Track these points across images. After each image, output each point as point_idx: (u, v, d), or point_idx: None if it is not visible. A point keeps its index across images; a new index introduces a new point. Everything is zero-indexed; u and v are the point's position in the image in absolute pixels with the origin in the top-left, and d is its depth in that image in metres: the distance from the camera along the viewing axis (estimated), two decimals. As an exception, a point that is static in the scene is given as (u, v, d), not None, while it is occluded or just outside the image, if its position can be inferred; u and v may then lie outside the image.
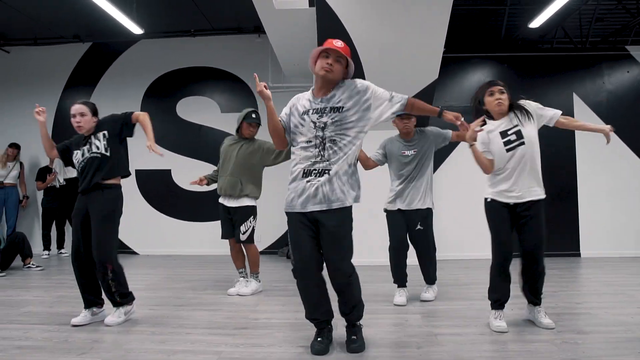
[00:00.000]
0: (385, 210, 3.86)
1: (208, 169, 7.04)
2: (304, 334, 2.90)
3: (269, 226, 6.58)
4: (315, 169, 2.51)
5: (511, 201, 2.96)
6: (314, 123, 2.53)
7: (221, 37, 7.31)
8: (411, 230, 3.76)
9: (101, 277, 3.11)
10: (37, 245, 6.89)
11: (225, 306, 3.72)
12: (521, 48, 7.14)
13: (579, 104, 6.57)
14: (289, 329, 3.03)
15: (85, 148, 3.24)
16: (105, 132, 3.24)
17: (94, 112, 3.32)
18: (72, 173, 7.03)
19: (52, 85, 7.52)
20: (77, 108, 3.26)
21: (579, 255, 6.45)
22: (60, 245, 7.07)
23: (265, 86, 2.59)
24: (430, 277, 3.88)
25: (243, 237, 4.12)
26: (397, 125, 3.80)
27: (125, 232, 7.16)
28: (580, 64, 6.67)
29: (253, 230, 4.18)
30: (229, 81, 7.30)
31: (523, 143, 2.90)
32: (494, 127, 3.01)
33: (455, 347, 2.66)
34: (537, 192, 2.96)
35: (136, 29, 6.15)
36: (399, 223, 3.77)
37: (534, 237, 2.93)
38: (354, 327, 2.66)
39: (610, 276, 4.98)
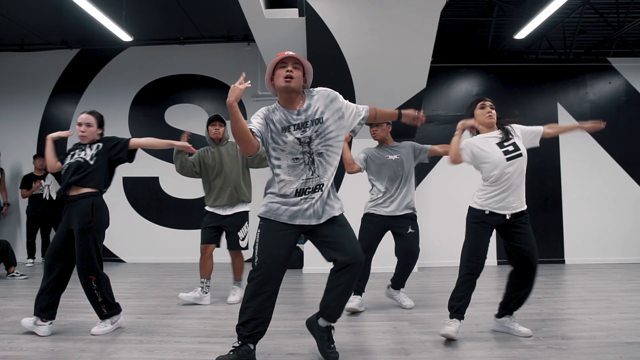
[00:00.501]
0: (369, 215, 3.83)
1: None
2: (293, 342, 2.91)
3: (252, 233, 6.55)
4: (308, 187, 2.45)
5: (509, 212, 2.97)
6: (299, 139, 2.42)
7: (210, 45, 7.33)
8: (401, 234, 3.77)
9: (86, 288, 3.06)
10: (20, 253, 6.79)
11: (214, 314, 3.71)
12: (507, 58, 7.28)
13: (562, 114, 6.69)
14: (278, 337, 3.03)
15: (75, 154, 3.23)
16: (100, 144, 3.24)
17: (100, 124, 3.31)
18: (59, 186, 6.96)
19: (39, 92, 7.45)
20: (84, 117, 3.24)
21: (563, 262, 6.55)
22: (45, 254, 6.97)
23: (242, 84, 2.34)
24: (404, 282, 3.91)
25: (243, 244, 4.12)
26: (376, 134, 3.84)
27: (112, 240, 7.15)
28: (564, 75, 6.81)
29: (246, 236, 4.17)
30: (218, 89, 7.31)
31: (521, 155, 2.96)
32: (487, 138, 3.05)
33: (443, 354, 2.69)
34: (524, 202, 3.04)
35: (125, 36, 6.14)
36: (377, 229, 3.78)
37: (530, 242, 2.98)
38: (331, 332, 2.60)
39: (594, 282, 5.06)
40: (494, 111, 3.08)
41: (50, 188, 6.88)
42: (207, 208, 4.19)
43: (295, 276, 5.64)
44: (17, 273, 5.54)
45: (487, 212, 2.99)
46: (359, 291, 3.75)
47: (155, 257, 7.05)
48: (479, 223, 3.01)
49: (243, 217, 4.15)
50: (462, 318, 2.96)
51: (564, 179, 6.69)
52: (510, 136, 3.03)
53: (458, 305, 2.96)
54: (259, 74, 7.01)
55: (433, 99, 6.69)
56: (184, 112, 7.32)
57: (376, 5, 4.49)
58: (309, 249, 5.89)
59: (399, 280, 3.88)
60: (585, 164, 6.58)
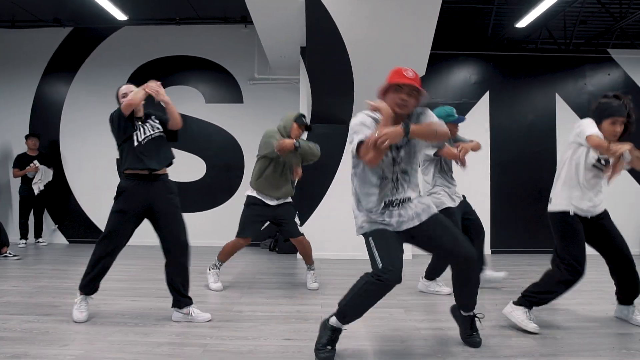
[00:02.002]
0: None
1: (191, 159, 7.03)
2: (289, 327, 2.91)
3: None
4: (395, 199, 2.45)
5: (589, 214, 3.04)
6: (394, 159, 2.42)
7: (207, 26, 7.20)
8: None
9: (184, 274, 3.13)
10: (12, 234, 6.73)
11: (208, 298, 3.71)
12: (507, 47, 7.23)
13: (560, 105, 6.68)
14: (274, 322, 3.03)
15: (146, 126, 3.21)
16: (157, 124, 3.29)
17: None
18: (49, 177, 6.92)
19: (31, 70, 7.30)
20: (127, 87, 3.36)
21: (556, 252, 6.59)
22: (37, 234, 6.92)
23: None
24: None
25: (301, 229, 4.14)
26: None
27: (105, 222, 7.08)
28: (564, 65, 6.78)
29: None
30: (214, 71, 7.21)
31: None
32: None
33: (438, 341, 2.70)
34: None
35: (120, 15, 6.03)
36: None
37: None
38: (474, 320, 2.66)
39: (588, 273, 4.98)
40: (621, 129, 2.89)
41: (41, 181, 6.80)
42: (255, 195, 4.03)
43: (290, 261, 5.64)
44: (10, 253, 5.49)
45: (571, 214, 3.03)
46: None
47: (151, 240, 6.95)
48: (574, 225, 3.04)
49: (294, 205, 4.18)
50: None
51: (559, 169, 6.70)
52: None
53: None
54: (256, 56, 6.93)
55: (432, 86, 6.63)
56: (179, 94, 7.19)
57: (378, -11, 4.43)
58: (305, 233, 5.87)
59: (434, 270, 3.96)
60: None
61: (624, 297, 3.16)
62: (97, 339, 2.65)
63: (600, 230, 3.10)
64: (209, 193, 7.03)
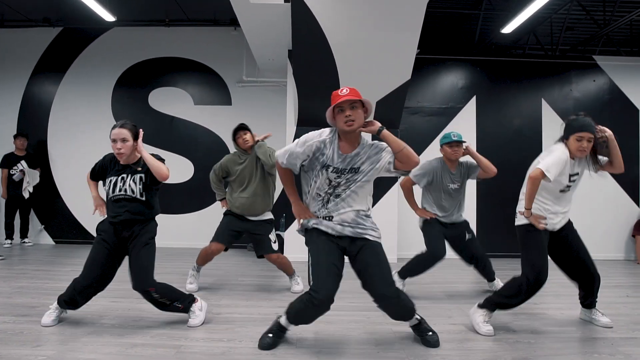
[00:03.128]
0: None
1: (179, 161, 7.02)
2: (265, 329, 2.91)
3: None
4: (325, 216, 2.61)
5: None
6: (330, 181, 2.55)
7: (196, 28, 7.21)
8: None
9: (149, 299, 2.97)
10: (-2, 234, 6.73)
11: (189, 300, 3.70)
12: (494, 53, 7.29)
13: (546, 110, 6.73)
14: (251, 324, 3.04)
15: (121, 182, 2.95)
16: (143, 176, 2.97)
17: (136, 136, 2.98)
18: (37, 179, 6.90)
19: (19, 70, 7.27)
20: (117, 133, 2.89)
21: (541, 257, 6.63)
22: (23, 235, 6.89)
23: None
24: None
25: (275, 247, 4.06)
26: (445, 153, 3.96)
27: (93, 222, 7.04)
28: (550, 71, 6.83)
29: (277, 239, 4.15)
30: (203, 73, 7.22)
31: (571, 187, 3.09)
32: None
33: (413, 344, 2.72)
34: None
35: (108, 16, 6.02)
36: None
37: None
38: (420, 323, 2.79)
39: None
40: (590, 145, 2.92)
41: (29, 183, 6.77)
42: (231, 212, 4.09)
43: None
44: (-7, 254, 5.47)
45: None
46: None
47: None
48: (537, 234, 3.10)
49: (270, 223, 4.13)
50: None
51: (545, 175, 6.75)
52: (578, 171, 3.06)
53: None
54: (245, 59, 6.94)
55: (419, 90, 6.68)
56: (168, 95, 7.22)
57: (363, -7, 4.45)
58: (288, 236, 5.89)
59: (409, 271, 4.13)
60: (566, 160, 6.63)
61: (587, 303, 3.30)
62: (70, 340, 2.65)
63: (563, 242, 3.17)
64: (196, 195, 7.02)
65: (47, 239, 7.17)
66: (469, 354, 2.58)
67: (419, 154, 2.62)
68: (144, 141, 3.03)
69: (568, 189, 3.05)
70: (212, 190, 4.31)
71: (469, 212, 6.55)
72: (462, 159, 4.01)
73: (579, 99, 6.79)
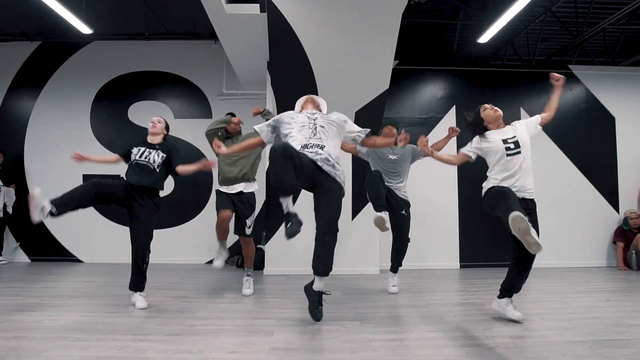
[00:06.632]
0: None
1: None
2: (237, 340, 2.83)
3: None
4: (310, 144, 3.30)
5: (521, 195, 3.30)
6: (308, 117, 3.43)
7: (176, 42, 7.20)
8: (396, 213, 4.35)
9: (141, 260, 3.74)
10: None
11: (161, 313, 3.59)
12: (473, 63, 7.37)
13: (525, 119, 6.78)
14: (223, 335, 2.94)
15: (147, 152, 3.87)
16: (164, 155, 3.90)
17: (167, 128, 4.14)
18: (13, 197, 6.78)
19: (-4, 85, 7.19)
20: (157, 118, 4.10)
21: (524, 265, 6.62)
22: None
23: None
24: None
25: (248, 231, 4.37)
26: (384, 133, 4.50)
27: (70, 239, 6.94)
28: (528, 81, 6.92)
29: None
30: (183, 86, 7.19)
31: (520, 152, 3.32)
32: (493, 135, 3.44)
33: (388, 352, 2.65)
34: (531, 192, 3.37)
35: (85, 29, 5.98)
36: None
37: None
38: (321, 296, 3.29)
39: (552, 285, 5.11)
40: (497, 107, 3.49)
41: (7, 205, 6.64)
42: (221, 189, 4.40)
43: (255, 277, 5.53)
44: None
45: (495, 185, 3.36)
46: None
47: (115, 257, 6.83)
48: (500, 189, 3.26)
49: (254, 198, 4.42)
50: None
51: (525, 183, 6.78)
52: (514, 134, 3.39)
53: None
54: (225, 72, 6.93)
55: (399, 101, 6.71)
56: (148, 109, 7.15)
57: (338, 2, 4.46)
58: (270, 250, 5.81)
59: (393, 264, 4.50)
60: (545, 168, 6.63)
61: (506, 292, 3.41)
62: (30, 355, 2.52)
63: None
64: (176, 210, 6.91)
65: (22, 257, 6.99)
66: (446, 360, 2.51)
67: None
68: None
69: (513, 153, 3.31)
70: (210, 135, 4.45)
71: (451, 222, 6.56)
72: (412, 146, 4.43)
73: (557, 108, 6.85)
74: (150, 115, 7.03)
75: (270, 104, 5.80)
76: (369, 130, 3.59)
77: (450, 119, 6.71)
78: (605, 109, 6.92)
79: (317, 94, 5.24)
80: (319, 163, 3.20)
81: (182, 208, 6.97)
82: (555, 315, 3.56)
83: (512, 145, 3.32)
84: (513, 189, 3.25)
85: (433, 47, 7.59)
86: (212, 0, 4.48)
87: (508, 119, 6.71)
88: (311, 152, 3.23)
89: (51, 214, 3.31)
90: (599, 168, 6.84)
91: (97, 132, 7.08)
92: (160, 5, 6.25)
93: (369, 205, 4.65)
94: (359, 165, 5.77)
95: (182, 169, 3.93)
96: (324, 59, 4.96)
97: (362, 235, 5.67)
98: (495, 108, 3.48)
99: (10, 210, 6.65)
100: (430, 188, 6.46)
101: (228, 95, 6.99)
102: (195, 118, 7.13)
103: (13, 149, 7.06)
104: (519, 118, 6.77)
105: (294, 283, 4.89)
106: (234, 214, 4.32)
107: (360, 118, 5.35)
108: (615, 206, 6.83)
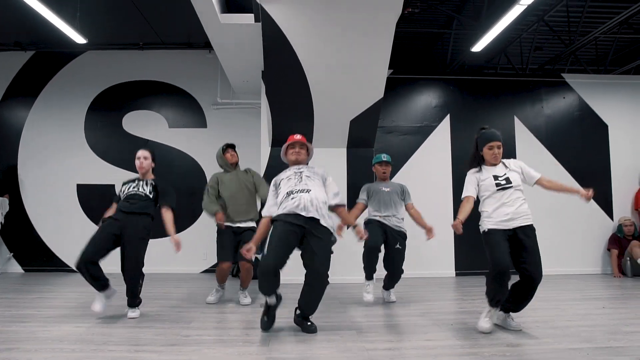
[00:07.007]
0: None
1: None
2: (233, 350, 2.81)
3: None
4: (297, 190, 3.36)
5: (510, 226, 3.32)
6: (294, 173, 3.49)
7: (171, 51, 7.22)
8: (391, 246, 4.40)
9: (136, 283, 3.77)
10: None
11: (157, 323, 3.57)
12: (467, 72, 7.42)
13: (519, 127, 6.84)
14: (219, 346, 2.92)
15: (136, 184, 3.97)
16: (154, 193, 3.99)
17: (154, 158, 4.12)
18: (6, 207, 6.72)
19: (-10, 95, 7.16)
20: (142, 153, 4.03)
21: (520, 273, 6.63)
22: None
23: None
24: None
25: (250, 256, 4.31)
26: (377, 171, 4.68)
27: (64, 249, 6.88)
28: (521, 89, 6.97)
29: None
30: (178, 96, 7.19)
31: (511, 187, 3.38)
32: (485, 173, 3.48)
33: (385, 361, 2.64)
34: (527, 218, 3.39)
35: (79, 39, 5.98)
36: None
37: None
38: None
39: (548, 292, 5.11)
40: (500, 150, 3.46)
41: (0, 214, 6.59)
42: (226, 224, 4.46)
43: (250, 287, 5.50)
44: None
45: (488, 229, 3.39)
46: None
47: (107, 268, 6.75)
48: (493, 235, 3.33)
49: (254, 231, 4.27)
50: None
51: (520, 191, 6.81)
52: (505, 172, 3.44)
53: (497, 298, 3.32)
54: (219, 81, 6.94)
55: (393, 110, 6.74)
56: (142, 118, 7.15)
57: (332, 12, 4.48)
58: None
59: (386, 284, 4.57)
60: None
61: (509, 307, 3.40)
62: (25, 367, 2.50)
63: (518, 245, 3.33)
64: (171, 218, 6.87)
65: (16, 267, 6.92)
66: (443, 369, 2.50)
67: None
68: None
69: (503, 188, 3.36)
70: (207, 210, 4.54)
71: (446, 230, 6.55)
72: (402, 183, 4.70)
73: (550, 116, 6.92)
74: (145, 125, 7.12)
75: (265, 113, 5.81)
76: (344, 201, 3.90)
77: (444, 127, 6.75)
78: (599, 117, 6.98)
79: (311, 103, 5.27)
80: (302, 213, 3.23)
81: (177, 217, 6.91)
82: (552, 322, 3.56)
83: (503, 182, 3.38)
84: (505, 217, 3.31)
85: (427, 56, 7.64)
86: (207, 10, 4.50)
87: (502, 128, 6.83)
88: (294, 200, 3.27)
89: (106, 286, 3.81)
90: (593, 176, 6.88)
91: (92, 141, 7.04)
92: (155, 14, 6.27)
93: (364, 214, 4.67)
94: (354, 179, 5.79)
95: (165, 216, 3.98)
96: (319, 68, 4.97)
97: (357, 245, 5.64)
98: (500, 151, 3.47)
99: (2, 220, 6.59)
100: (426, 196, 6.46)
101: (222, 105, 7.00)
102: (189, 127, 7.13)
103: (7, 159, 7.03)
104: (513, 126, 6.86)
105: (290, 292, 4.86)
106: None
107: (355, 127, 5.37)
108: (610, 213, 6.87)
